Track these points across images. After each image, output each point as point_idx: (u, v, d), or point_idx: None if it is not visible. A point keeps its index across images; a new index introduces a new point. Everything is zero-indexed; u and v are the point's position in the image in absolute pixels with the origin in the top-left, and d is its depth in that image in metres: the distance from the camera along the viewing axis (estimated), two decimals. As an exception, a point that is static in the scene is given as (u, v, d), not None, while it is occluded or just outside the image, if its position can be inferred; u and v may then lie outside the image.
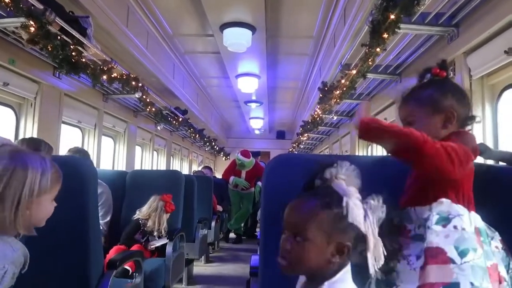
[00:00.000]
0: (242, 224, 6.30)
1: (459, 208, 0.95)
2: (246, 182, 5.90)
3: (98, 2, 3.07)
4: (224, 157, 11.44)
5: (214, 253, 5.22)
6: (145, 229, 2.53)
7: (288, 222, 0.86)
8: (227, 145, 11.54)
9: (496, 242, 0.96)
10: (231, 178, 5.99)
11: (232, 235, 6.33)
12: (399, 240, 0.84)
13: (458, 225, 0.92)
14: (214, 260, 4.79)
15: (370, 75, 3.31)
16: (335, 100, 3.94)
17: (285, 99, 8.22)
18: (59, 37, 2.38)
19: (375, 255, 0.80)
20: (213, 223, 4.59)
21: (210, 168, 6.60)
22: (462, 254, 0.89)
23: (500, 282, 0.91)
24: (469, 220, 0.93)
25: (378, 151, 4.23)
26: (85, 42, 2.68)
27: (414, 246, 0.94)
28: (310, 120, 5.75)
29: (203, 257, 4.39)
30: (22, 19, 2.14)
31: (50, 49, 2.36)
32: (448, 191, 0.97)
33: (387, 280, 0.95)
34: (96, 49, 2.88)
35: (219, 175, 6.97)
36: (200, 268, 4.30)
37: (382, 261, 0.80)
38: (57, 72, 3.08)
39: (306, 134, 6.95)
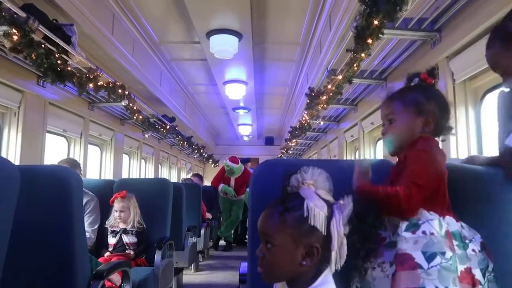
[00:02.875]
0: (232, 231, 6.26)
1: (429, 214, 0.96)
2: (233, 192, 5.89)
3: (83, 10, 3.04)
4: (213, 164, 11.40)
5: (204, 261, 5.18)
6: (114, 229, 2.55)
7: (259, 231, 0.89)
8: (216, 152, 11.50)
9: (475, 245, 0.97)
10: (220, 186, 5.96)
11: (222, 242, 6.28)
12: (373, 239, 0.85)
13: (426, 230, 0.94)
14: (204, 268, 4.74)
15: (356, 80, 3.35)
16: (322, 105, 3.96)
17: (273, 105, 8.26)
18: (43, 45, 2.35)
19: (339, 254, 0.83)
20: (202, 231, 4.56)
21: (200, 176, 6.56)
22: (430, 258, 0.90)
23: (474, 286, 0.92)
24: (439, 225, 0.95)
25: (366, 156, 4.27)
26: (69, 50, 2.65)
27: (388, 253, 0.95)
28: (298, 126, 5.78)
29: (193, 265, 4.35)
30: (5, 27, 2.11)
31: (34, 57, 2.32)
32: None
33: (363, 287, 0.97)
34: (81, 57, 2.86)
35: (208, 183, 6.93)
36: (190, 276, 4.25)
37: (344, 260, 0.82)
38: (41, 81, 3.04)
39: (295, 140, 6.98)
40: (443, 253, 0.91)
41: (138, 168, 5.97)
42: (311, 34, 4.51)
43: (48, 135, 3.35)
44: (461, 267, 0.92)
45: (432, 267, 0.89)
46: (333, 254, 0.82)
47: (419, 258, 0.90)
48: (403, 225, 0.96)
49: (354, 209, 0.84)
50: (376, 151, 4.25)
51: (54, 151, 3.70)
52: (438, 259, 0.90)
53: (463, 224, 1.01)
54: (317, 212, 0.82)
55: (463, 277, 0.91)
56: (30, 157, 2.96)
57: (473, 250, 0.96)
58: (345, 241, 0.83)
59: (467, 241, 0.97)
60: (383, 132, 1.15)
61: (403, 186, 0.94)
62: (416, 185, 0.95)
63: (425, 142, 1.05)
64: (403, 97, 1.13)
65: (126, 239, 2.52)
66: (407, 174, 0.98)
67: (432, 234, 0.93)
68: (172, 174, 8.42)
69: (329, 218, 0.83)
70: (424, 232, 0.93)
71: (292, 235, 0.84)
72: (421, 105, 1.10)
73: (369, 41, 2.30)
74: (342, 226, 0.83)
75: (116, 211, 2.59)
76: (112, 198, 2.64)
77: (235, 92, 6.02)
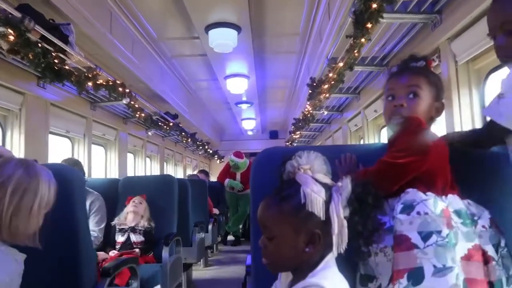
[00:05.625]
0: (240, 226, 6.28)
1: (424, 195, 0.95)
2: (240, 185, 5.88)
3: (79, 9, 3.03)
4: (218, 160, 11.41)
5: (212, 256, 5.20)
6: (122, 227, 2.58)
7: (259, 222, 0.87)
8: (221, 148, 11.50)
9: (484, 221, 0.96)
10: (226, 181, 5.96)
11: (230, 237, 6.30)
12: (375, 220, 0.83)
13: (421, 211, 0.92)
14: (213, 263, 4.76)
15: (357, 68, 3.31)
16: (324, 95, 3.93)
17: (276, 98, 8.21)
18: (40, 45, 2.34)
19: (341, 238, 0.80)
20: (210, 226, 4.57)
21: (205, 172, 6.57)
22: (425, 238, 0.89)
23: (487, 262, 0.91)
24: (434, 204, 0.93)
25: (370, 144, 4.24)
26: (67, 49, 2.64)
27: (389, 238, 0.94)
28: (301, 118, 5.75)
29: (202, 261, 4.37)
30: (1, 28, 2.11)
31: (31, 57, 2.32)
32: (415, 182, 0.98)
33: (367, 273, 0.96)
34: (80, 56, 2.84)
35: (214, 179, 6.94)
36: (200, 272, 4.27)
37: (345, 243, 0.80)
38: (42, 82, 3.04)
39: (299, 132, 6.95)
40: (439, 232, 0.89)
41: (143, 167, 5.98)
42: (311, 23, 4.46)
43: (51, 136, 3.36)
44: (468, 245, 0.91)
45: (428, 246, 0.88)
46: (334, 238, 0.80)
47: (415, 238, 0.90)
48: (398, 207, 0.95)
49: (353, 191, 0.81)
50: (380, 138, 4.22)
51: (59, 152, 3.71)
52: (434, 238, 0.89)
53: (470, 202, 0.99)
54: (314, 198, 0.80)
55: (471, 254, 0.90)
56: (34, 158, 2.97)
57: (483, 227, 0.95)
58: (345, 224, 0.80)
59: (475, 218, 0.95)
60: (401, 104, 1.08)
61: (375, 166, 1.01)
62: (385, 162, 1.00)
63: (415, 123, 1.04)
64: (429, 76, 1.10)
65: (133, 237, 2.53)
66: (387, 153, 1.02)
67: (426, 213, 0.92)
68: (178, 172, 8.43)
69: (328, 202, 0.81)
70: (418, 213, 0.92)
71: (291, 224, 0.82)
72: (440, 90, 1.10)
73: (368, 25, 2.26)
74: (342, 209, 0.80)
75: (129, 212, 2.60)
76: (127, 201, 2.67)
77: (237, 87, 5.99)
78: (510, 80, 0.99)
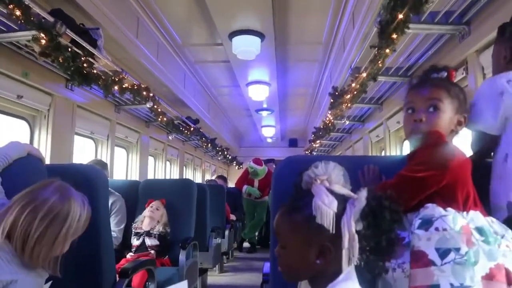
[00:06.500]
0: (256, 233, 6.25)
1: (443, 211, 0.92)
2: (258, 192, 5.88)
3: (108, 14, 3.12)
4: (237, 166, 11.44)
5: (228, 262, 5.19)
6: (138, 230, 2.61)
7: (275, 231, 0.87)
8: (240, 154, 11.54)
9: (508, 241, 0.92)
10: (244, 187, 5.96)
11: (246, 244, 6.28)
12: (393, 235, 0.80)
13: (439, 227, 0.90)
14: (228, 269, 4.75)
15: (381, 78, 3.27)
16: (346, 104, 3.90)
17: (297, 106, 8.20)
18: (69, 49, 2.42)
19: (352, 252, 0.78)
20: (226, 232, 4.57)
21: (224, 178, 6.58)
22: (443, 255, 0.87)
23: (511, 283, 0.87)
24: (454, 220, 0.90)
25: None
26: (95, 53, 2.72)
27: (407, 253, 0.92)
28: (322, 126, 5.71)
29: (217, 266, 4.36)
30: (34, 32, 2.19)
31: (61, 61, 2.39)
32: (434, 197, 0.96)
33: None
34: (107, 60, 2.92)
35: (232, 185, 6.95)
36: (215, 277, 4.27)
37: (356, 258, 0.78)
38: (70, 84, 3.13)
39: (318, 141, 6.90)
40: (458, 249, 0.87)
41: (163, 170, 6.06)
42: (334, 32, 4.45)
43: (76, 137, 3.45)
44: (490, 264, 0.87)
45: (445, 263, 0.86)
46: (344, 252, 0.79)
47: (433, 255, 0.87)
48: (416, 222, 0.93)
49: (368, 204, 0.79)
50: (402, 151, 4.14)
51: (83, 153, 3.80)
52: (452, 255, 0.86)
53: (493, 219, 0.96)
54: (324, 210, 0.79)
55: (493, 274, 0.86)
56: (59, 158, 3.05)
57: (507, 246, 0.91)
58: (356, 238, 0.78)
59: (498, 236, 0.92)
60: (420, 119, 1.06)
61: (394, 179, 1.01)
62: (404, 176, 0.99)
63: (434, 136, 1.03)
64: (451, 89, 1.07)
65: (148, 241, 2.55)
66: (406, 166, 1.02)
67: (445, 230, 0.89)
68: (197, 176, 8.49)
69: (340, 215, 0.80)
70: (437, 229, 0.90)
71: (302, 235, 0.81)
72: (463, 103, 1.07)
73: (394, 36, 2.24)
74: (353, 223, 0.78)
75: (146, 216, 2.63)
76: (147, 204, 2.70)
77: (258, 94, 6.01)
78: (479, 88, 1.18)
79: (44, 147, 2.98)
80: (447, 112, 1.05)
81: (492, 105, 1.10)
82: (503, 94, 1.09)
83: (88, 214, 1.17)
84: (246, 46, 4.17)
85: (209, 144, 7.42)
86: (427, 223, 0.91)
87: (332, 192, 0.83)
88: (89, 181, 1.58)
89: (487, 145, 1.21)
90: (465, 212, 0.94)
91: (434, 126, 1.04)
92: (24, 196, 1.07)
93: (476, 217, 0.93)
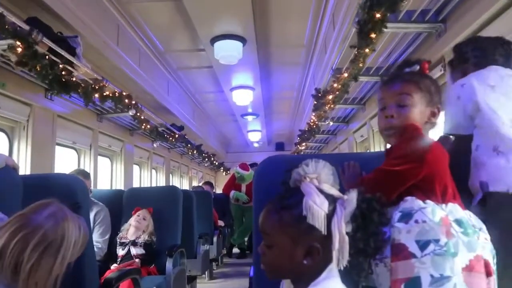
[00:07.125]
0: (246, 239, 6.22)
1: (422, 203, 0.93)
2: (246, 197, 5.85)
3: (87, 22, 3.08)
4: (224, 172, 11.39)
5: (218, 269, 5.14)
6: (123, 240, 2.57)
7: (260, 229, 0.85)
8: (227, 159, 11.49)
9: (486, 234, 0.93)
10: (232, 193, 5.94)
11: (236, 250, 6.24)
12: (379, 238, 0.79)
13: (419, 219, 0.90)
14: (218, 276, 4.71)
15: (362, 78, 3.31)
16: (329, 105, 3.92)
17: (282, 110, 8.23)
18: (47, 57, 2.38)
19: (341, 254, 0.78)
20: (215, 239, 4.53)
21: (210, 184, 6.54)
22: (423, 247, 0.87)
23: (489, 275, 0.88)
24: (433, 212, 0.90)
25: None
26: (74, 61, 2.68)
27: (389, 248, 0.91)
28: (307, 129, 5.73)
29: (206, 273, 4.31)
30: (9, 41, 2.14)
31: (39, 69, 2.35)
32: (413, 191, 0.96)
33: (369, 285, 0.93)
34: (87, 68, 2.88)
35: (220, 191, 6.91)
36: (204, 285, 4.22)
37: (346, 259, 0.77)
38: (49, 94, 3.07)
39: (304, 143, 6.93)
40: (437, 241, 0.87)
41: (149, 179, 5.99)
42: (316, 34, 4.49)
43: (58, 148, 3.38)
44: (469, 255, 0.88)
45: (425, 255, 0.86)
46: (334, 253, 0.78)
47: (413, 248, 0.88)
48: (396, 216, 0.93)
49: (358, 206, 0.78)
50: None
51: (66, 163, 3.73)
52: (431, 247, 0.87)
53: (471, 214, 0.97)
54: (315, 211, 0.78)
55: (472, 265, 0.87)
56: (40, 169, 2.98)
57: (485, 238, 0.92)
58: (347, 239, 0.77)
59: (477, 229, 0.92)
60: (391, 114, 1.05)
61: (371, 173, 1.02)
62: (382, 170, 1.00)
63: (410, 129, 1.03)
64: (420, 82, 1.06)
65: (133, 251, 2.51)
66: (384, 161, 1.03)
67: (424, 222, 0.89)
68: (184, 183, 8.42)
69: (330, 216, 0.79)
70: (416, 221, 0.90)
71: (291, 234, 0.80)
72: (434, 94, 1.06)
73: (373, 35, 2.27)
74: (344, 224, 0.78)
75: (132, 225, 2.58)
76: (134, 211, 2.66)
77: (243, 98, 6.01)
78: (448, 94, 1.35)
79: (24, 158, 2.91)
80: (418, 106, 1.04)
81: (455, 109, 1.32)
82: (459, 98, 1.31)
83: (85, 238, 1.10)
84: (228, 51, 4.18)
85: (195, 151, 7.37)
86: (407, 216, 0.92)
87: (321, 191, 0.82)
88: (69, 191, 1.55)
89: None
90: (444, 205, 0.94)
91: (405, 121, 1.03)
92: (16, 220, 0.98)
93: (455, 210, 0.94)
